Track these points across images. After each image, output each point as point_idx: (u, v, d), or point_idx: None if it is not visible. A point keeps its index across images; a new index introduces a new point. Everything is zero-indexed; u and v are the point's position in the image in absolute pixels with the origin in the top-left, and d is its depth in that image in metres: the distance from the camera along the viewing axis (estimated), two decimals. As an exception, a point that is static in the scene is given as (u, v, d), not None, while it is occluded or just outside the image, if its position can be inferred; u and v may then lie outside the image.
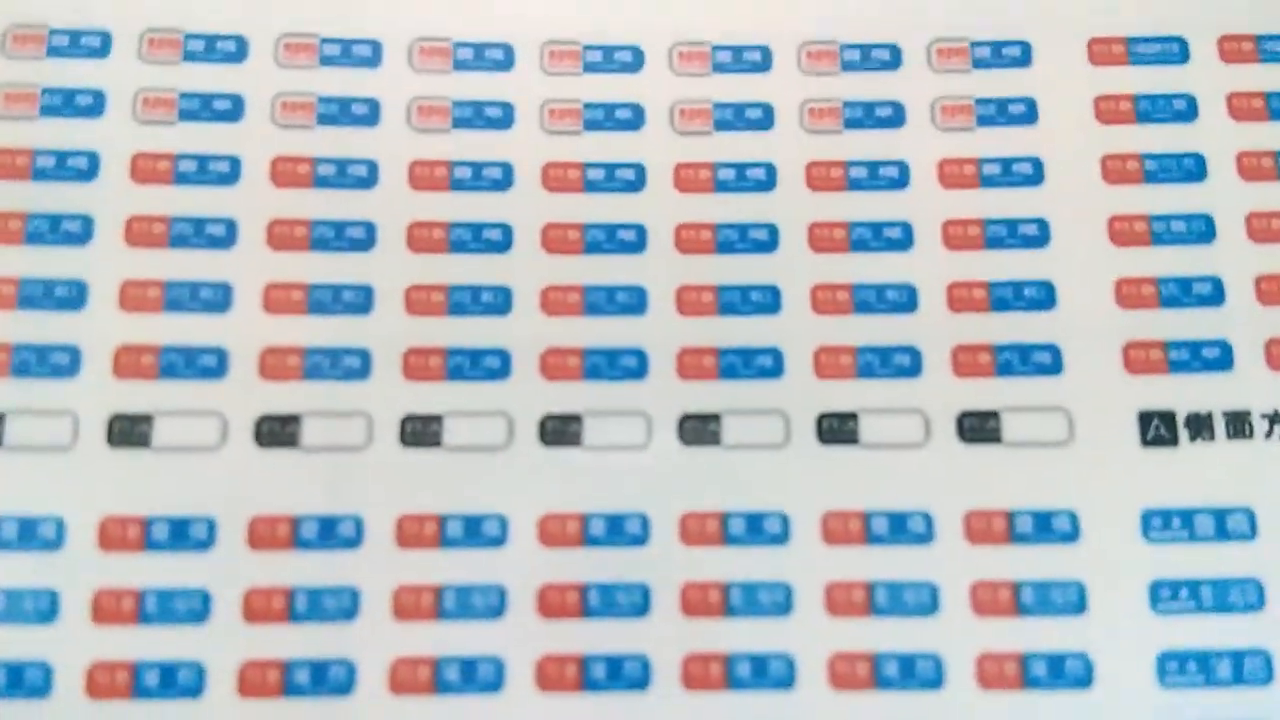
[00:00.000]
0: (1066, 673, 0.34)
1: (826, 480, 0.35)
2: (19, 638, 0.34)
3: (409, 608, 0.34)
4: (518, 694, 0.34)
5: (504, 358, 0.36)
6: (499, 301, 0.36)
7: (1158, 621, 0.34)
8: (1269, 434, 0.35)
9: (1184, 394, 0.35)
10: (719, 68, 0.39)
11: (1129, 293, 0.36)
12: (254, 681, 0.34)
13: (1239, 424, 0.35)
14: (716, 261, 0.37)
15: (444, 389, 0.36)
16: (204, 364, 0.36)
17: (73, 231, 0.36)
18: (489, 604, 0.34)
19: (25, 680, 0.33)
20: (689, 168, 0.38)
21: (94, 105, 0.37)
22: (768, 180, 0.38)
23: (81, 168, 0.37)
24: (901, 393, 0.36)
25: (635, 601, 0.34)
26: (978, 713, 0.34)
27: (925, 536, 0.35)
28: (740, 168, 0.38)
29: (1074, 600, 0.34)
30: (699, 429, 0.35)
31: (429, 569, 0.35)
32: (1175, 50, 0.38)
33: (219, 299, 0.36)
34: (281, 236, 0.37)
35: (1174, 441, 0.35)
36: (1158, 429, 0.35)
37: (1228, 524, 0.35)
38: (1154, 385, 0.36)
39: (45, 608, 0.34)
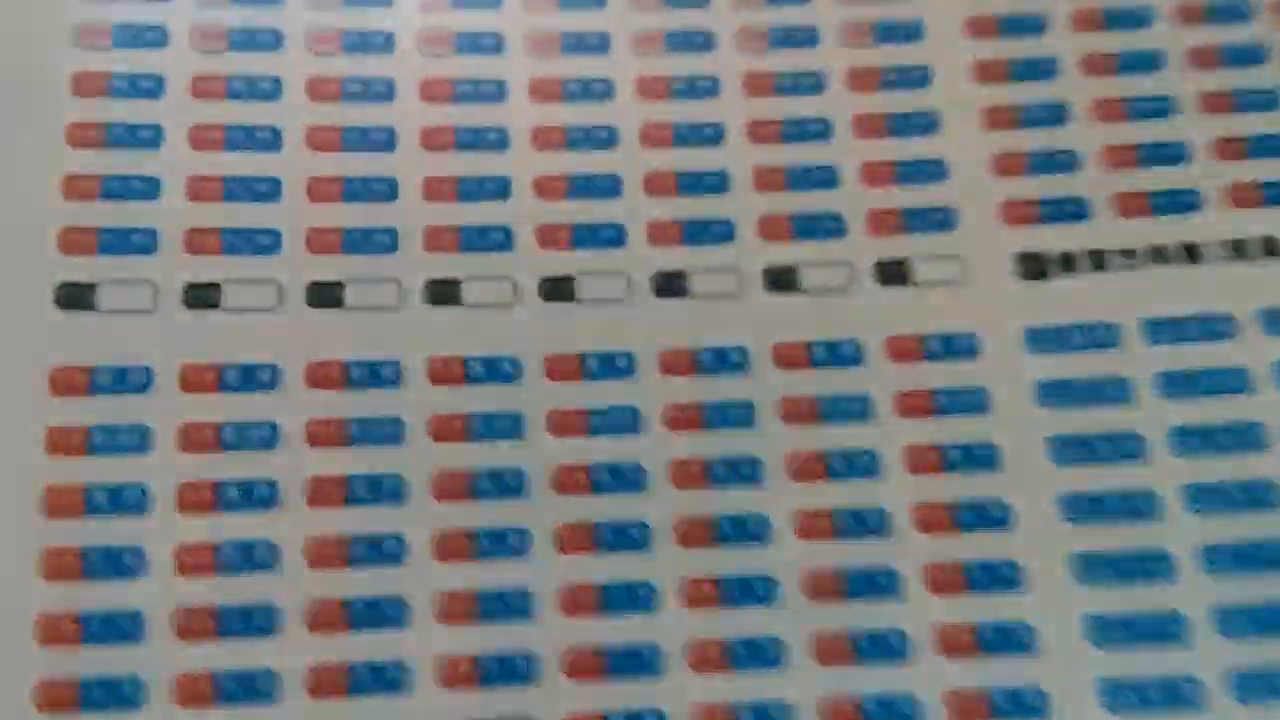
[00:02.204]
0: (977, 458, 0.42)
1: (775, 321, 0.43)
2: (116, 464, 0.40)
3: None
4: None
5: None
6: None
7: (1044, 414, 0.43)
8: (1121, 267, 0.44)
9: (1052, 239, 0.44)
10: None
11: (1004, 166, 0.45)
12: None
13: (1098, 260, 0.44)
14: None
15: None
16: (261, 242, 0.43)
17: (146, 138, 0.43)
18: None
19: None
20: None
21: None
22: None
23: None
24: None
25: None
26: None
27: (857, 359, 0.43)
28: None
29: (978, 401, 0.43)
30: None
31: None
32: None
33: (271, 191, 0.43)
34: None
35: (1045, 276, 0.44)
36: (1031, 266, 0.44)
37: (1095, 335, 0.43)
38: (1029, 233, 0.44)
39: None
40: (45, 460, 0.40)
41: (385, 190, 0.43)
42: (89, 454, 0.40)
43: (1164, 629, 0.40)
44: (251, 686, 0.38)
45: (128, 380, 0.41)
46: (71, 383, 0.40)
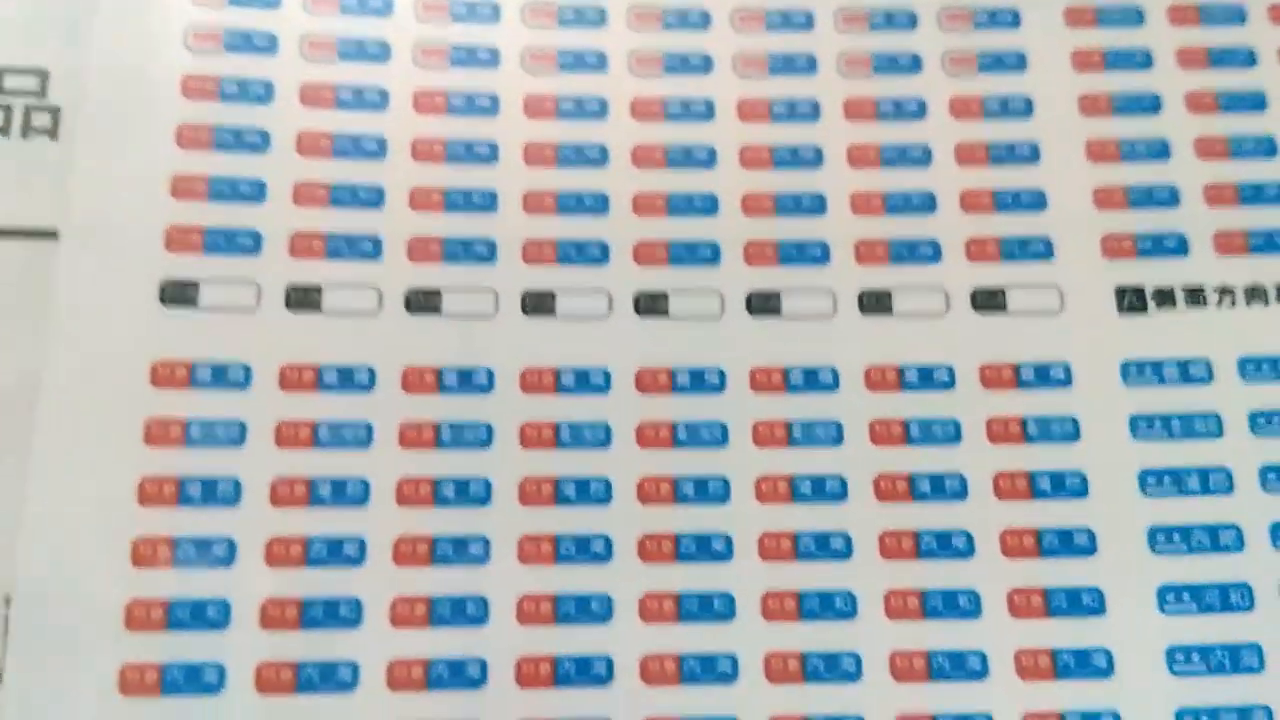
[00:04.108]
0: (1067, 486, 0.42)
1: (868, 343, 0.43)
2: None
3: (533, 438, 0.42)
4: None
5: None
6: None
7: (1137, 446, 0.42)
8: (1219, 304, 0.44)
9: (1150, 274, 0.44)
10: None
11: (1103, 199, 0.45)
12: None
13: (1196, 296, 0.44)
14: None
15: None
16: (362, 249, 0.44)
17: (253, 143, 0.44)
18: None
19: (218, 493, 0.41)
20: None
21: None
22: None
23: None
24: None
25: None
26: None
27: (949, 384, 0.43)
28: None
29: (1070, 431, 0.43)
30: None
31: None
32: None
33: (374, 198, 0.44)
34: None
35: (1144, 309, 0.44)
36: (1131, 300, 0.44)
37: (1190, 371, 0.43)
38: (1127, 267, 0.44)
39: (236, 434, 0.41)
40: (143, 450, 0.40)
41: (486, 202, 0.44)
42: (187, 446, 0.40)
43: (1240, 659, 0.40)
44: (333, 677, 0.39)
45: (227, 377, 0.41)
46: (172, 376, 0.41)
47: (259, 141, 0.44)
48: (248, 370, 0.41)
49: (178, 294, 0.42)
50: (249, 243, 0.42)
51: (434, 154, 0.44)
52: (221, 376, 0.41)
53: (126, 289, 0.42)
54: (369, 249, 0.43)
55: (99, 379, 0.41)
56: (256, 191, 0.43)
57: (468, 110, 0.45)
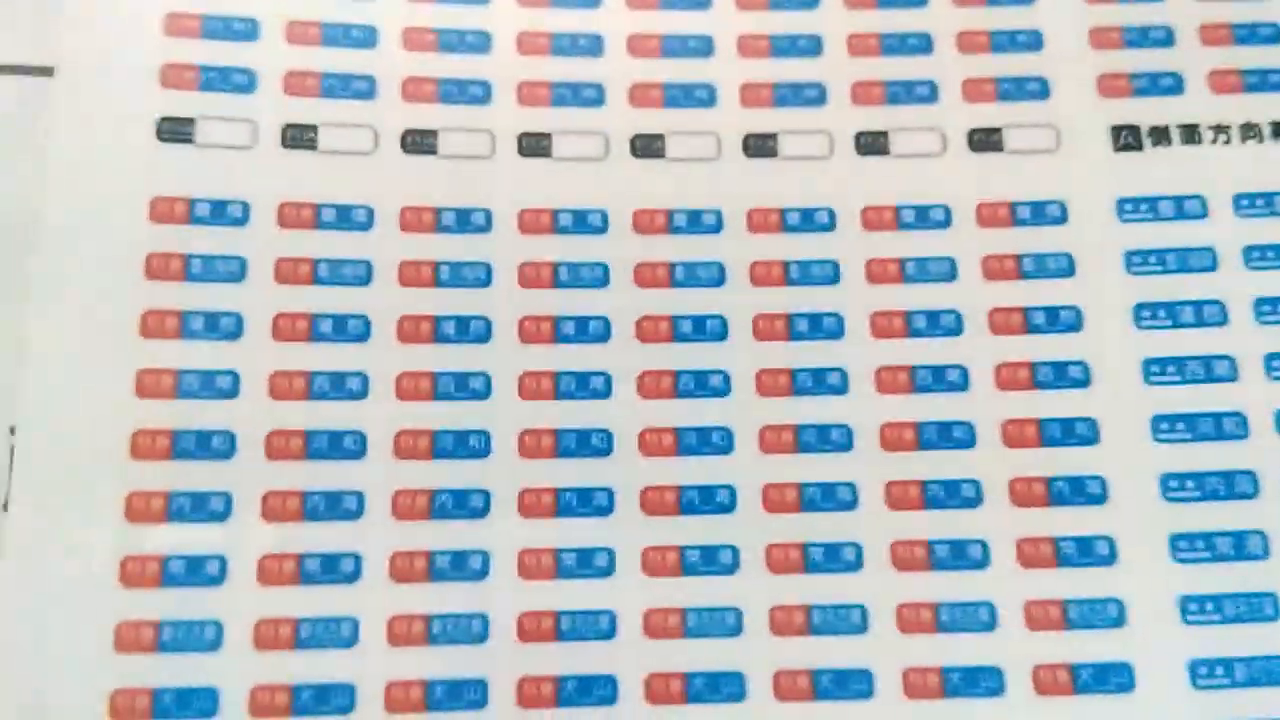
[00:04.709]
0: (1061, 321, 0.42)
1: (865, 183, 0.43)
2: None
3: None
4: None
5: None
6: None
7: (1131, 279, 0.43)
8: (1214, 141, 0.44)
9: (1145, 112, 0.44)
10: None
11: (1099, 39, 0.45)
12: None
13: (1191, 134, 0.44)
14: None
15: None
16: (357, 88, 0.43)
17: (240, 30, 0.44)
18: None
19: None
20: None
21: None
22: None
23: None
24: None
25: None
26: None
27: (944, 223, 0.43)
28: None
29: (1064, 267, 0.43)
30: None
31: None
32: None
33: (367, 37, 0.44)
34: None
35: (1140, 147, 0.44)
36: (1126, 138, 0.44)
37: (1185, 207, 0.43)
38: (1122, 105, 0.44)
39: (236, 270, 0.41)
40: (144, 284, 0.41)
41: (480, 43, 0.44)
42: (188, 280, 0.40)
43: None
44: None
45: (226, 213, 0.41)
46: (171, 212, 0.41)
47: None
48: (246, 206, 0.41)
49: (174, 131, 0.42)
50: (244, 80, 0.42)
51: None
52: (221, 213, 0.41)
53: (123, 126, 0.42)
54: (364, 89, 0.43)
55: (98, 214, 0.41)
56: (250, 29, 0.43)
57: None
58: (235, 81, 0.42)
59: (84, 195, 0.41)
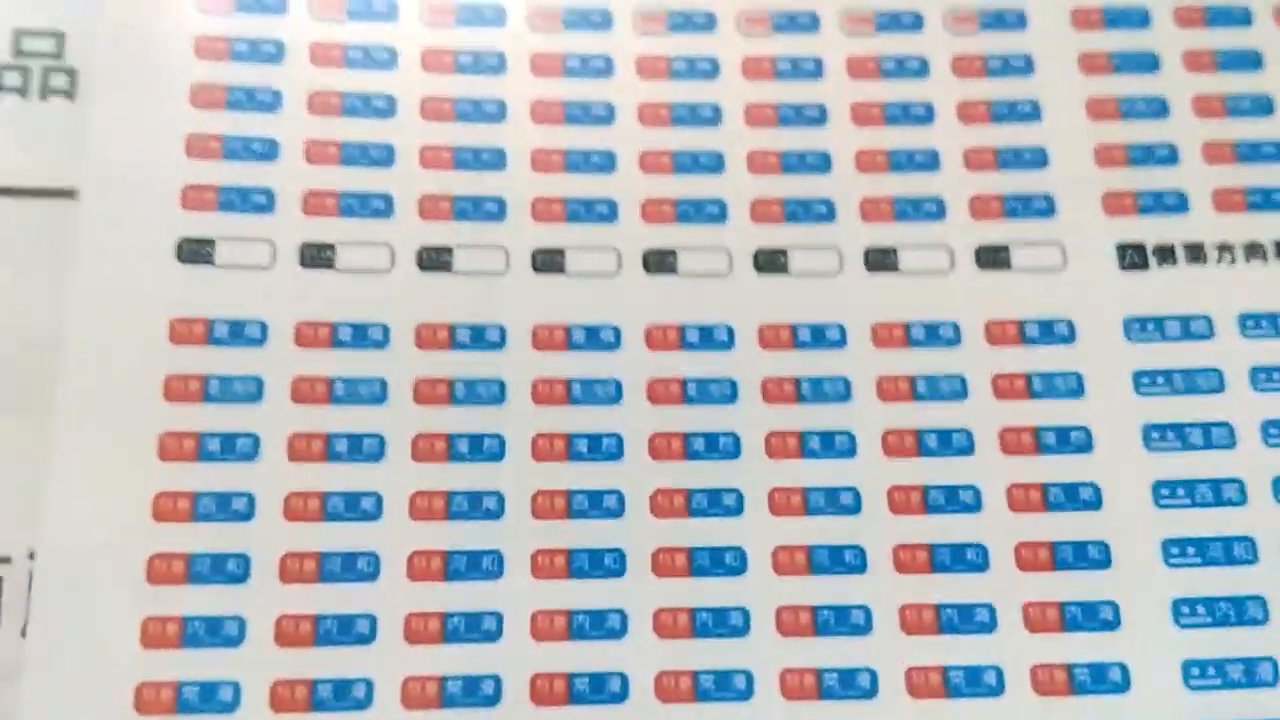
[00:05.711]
0: (1071, 441, 0.43)
1: (873, 300, 0.44)
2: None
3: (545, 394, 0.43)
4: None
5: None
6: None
7: (1141, 401, 0.43)
8: (1219, 261, 0.44)
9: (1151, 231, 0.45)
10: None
11: (1104, 156, 0.46)
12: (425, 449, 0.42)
13: (1196, 253, 0.45)
14: None
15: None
16: (374, 206, 0.44)
17: (265, 102, 0.45)
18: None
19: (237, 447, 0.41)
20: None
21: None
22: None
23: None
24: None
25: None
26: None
27: (955, 341, 0.44)
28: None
29: (1074, 387, 0.43)
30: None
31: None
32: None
33: (384, 155, 0.44)
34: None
35: (1145, 266, 0.44)
36: (1132, 256, 0.45)
37: (1191, 327, 0.44)
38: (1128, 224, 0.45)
39: (253, 390, 0.42)
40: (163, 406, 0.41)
41: (495, 160, 0.44)
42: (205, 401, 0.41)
43: (1245, 611, 0.41)
44: (351, 629, 0.39)
45: (244, 333, 0.41)
46: (190, 333, 0.41)
47: (271, 100, 0.44)
48: (264, 326, 0.42)
49: (194, 252, 0.42)
50: (263, 201, 0.43)
51: (443, 112, 0.45)
52: (239, 333, 0.41)
53: (144, 247, 0.42)
54: (381, 207, 0.43)
55: (119, 336, 0.41)
56: (269, 150, 0.43)
57: (476, 69, 0.45)
58: (255, 201, 0.43)
59: (105, 315, 0.41)
